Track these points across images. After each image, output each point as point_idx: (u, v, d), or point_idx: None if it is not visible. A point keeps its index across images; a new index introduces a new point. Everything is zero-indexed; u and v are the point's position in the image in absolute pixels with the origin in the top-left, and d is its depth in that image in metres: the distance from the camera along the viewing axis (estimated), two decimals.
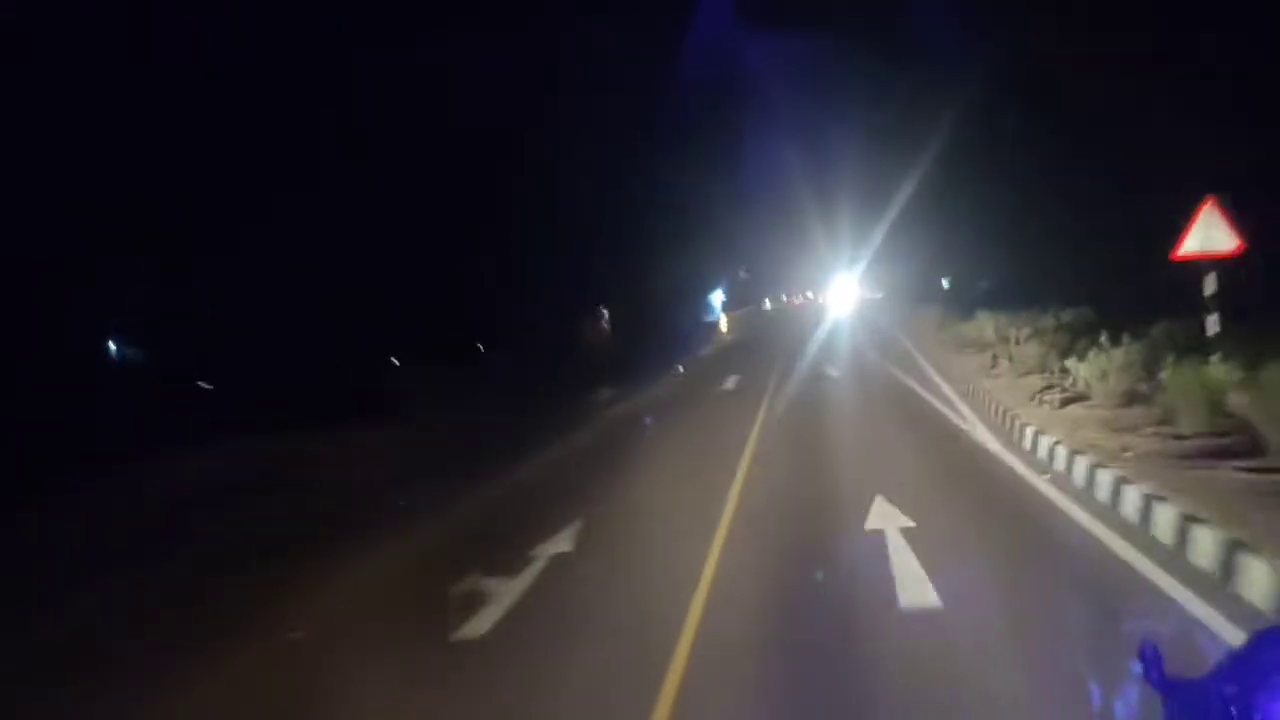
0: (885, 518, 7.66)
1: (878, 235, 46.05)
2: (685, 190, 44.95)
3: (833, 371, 21.76)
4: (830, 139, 53.91)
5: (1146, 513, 6.62)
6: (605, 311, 33.82)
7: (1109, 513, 7.21)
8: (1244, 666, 1.18)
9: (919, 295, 45.17)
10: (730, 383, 21.87)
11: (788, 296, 77.79)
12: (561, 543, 8.28)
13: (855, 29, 37.58)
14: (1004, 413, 12.01)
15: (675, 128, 47.33)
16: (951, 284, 42.18)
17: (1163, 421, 9.55)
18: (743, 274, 67.24)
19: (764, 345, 33.03)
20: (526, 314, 27.46)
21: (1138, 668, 1.38)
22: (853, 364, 23.53)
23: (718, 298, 54.48)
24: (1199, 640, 4.57)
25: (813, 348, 28.60)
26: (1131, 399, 11.00)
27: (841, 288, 63.22)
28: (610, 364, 25.98)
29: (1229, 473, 7.25)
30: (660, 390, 22.38)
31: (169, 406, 15.96)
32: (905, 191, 35.42)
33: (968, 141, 28.95)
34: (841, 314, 54.01)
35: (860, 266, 58.07)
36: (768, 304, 69.57)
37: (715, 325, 41.47)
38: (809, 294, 77.75)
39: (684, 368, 26.46)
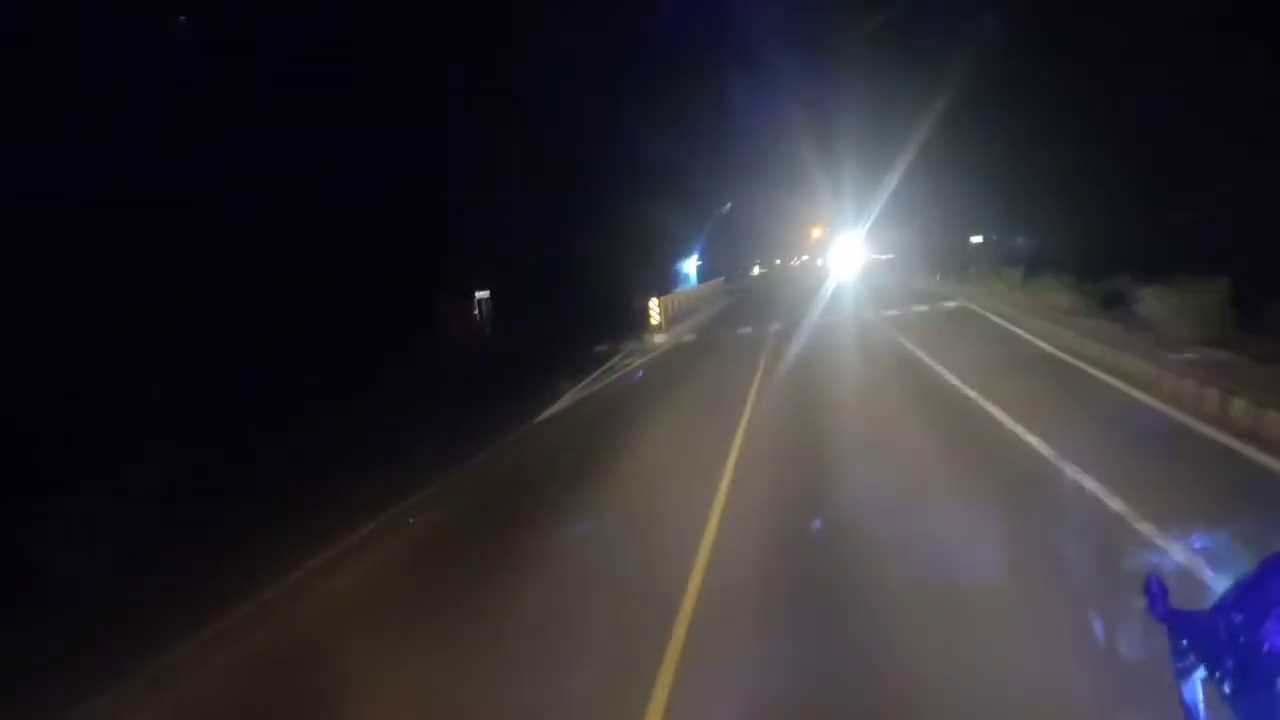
0: None
1: (884, 189, 38.63)
2: (655, 140, 35.38)
3: None
4: (831, 85, 45.22)
5: None
6: (481, 296, 23.75)
7: None
8: (1252, 595, 1.13)
9: (940, 256, 35.75)
10: None
11: (780, 260, 67.85)
12: None
13: None
14: None
15: (654, 71, 37.96)
16: (983, 241, 33.05)
17: None
18: (727, 208, 56.81)
19: (707, 381, 16.46)
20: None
21: (1143, 602, 1.29)
22: None
23: (691, 265, 44.58)
24: None
25: (819, 401, 12.38)
26: None
27: (845, 248, 54.49)
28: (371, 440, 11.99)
29: None
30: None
31: None
32: (918, 137, 30.14)
33: (990, 81, 25.16)
34: (846, 278, 44.86)
35: (865, 224, 48.95)
36: (756, 269, 59.66)
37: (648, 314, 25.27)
38: (804, 256, 67.96)
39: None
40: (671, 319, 27.66)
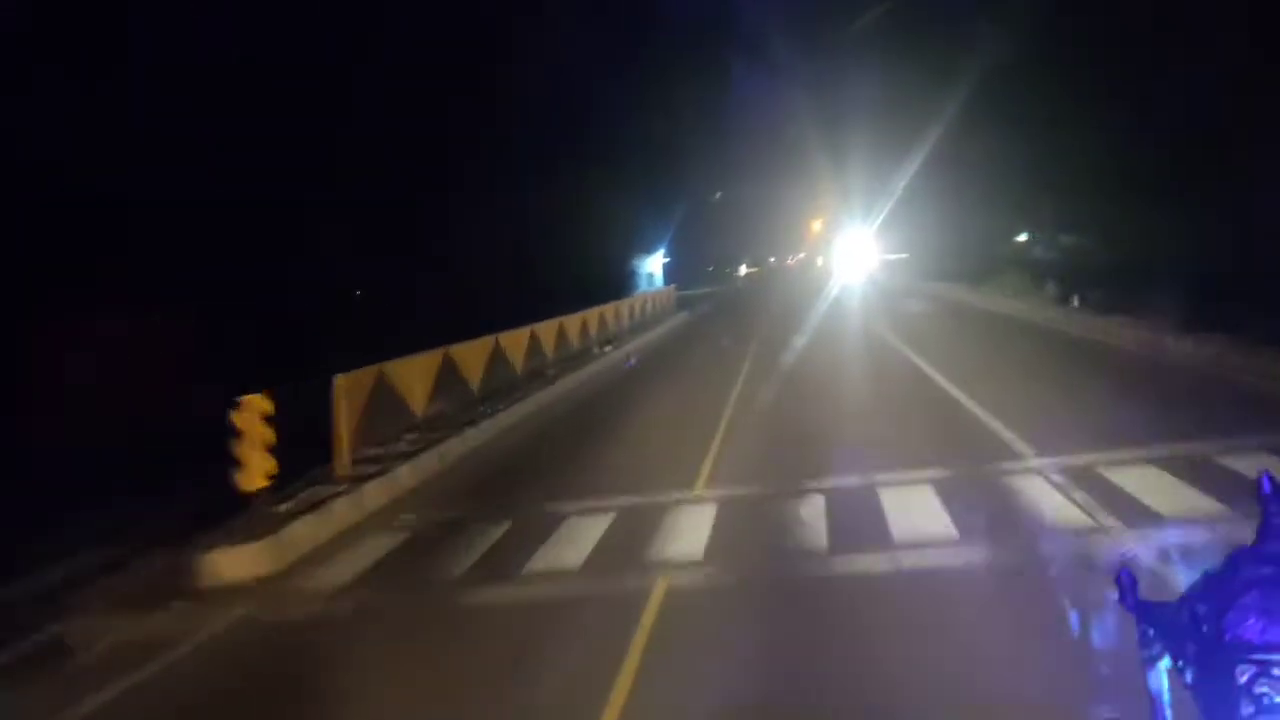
0: None
1: (898, 180, 33.34)
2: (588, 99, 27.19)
3: None
4: (837, 66, 37.88)
5: None
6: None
7: None
8: (1216, 586, 1.15)
9: (963, 256, 27.71)
10: None
11: (774, 259, 59.36)
12: None
13: None
14: None
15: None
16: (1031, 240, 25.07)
17: None
18: (716, 196, 48.66)
19: None
20: None
21: (1114, 594, 1.29)
22: None
23: (655, 264, 35.71)
24: None
25: None
26: None
27: (852, 246, 46.81)
28: None
29: None
30: None
31: None
32: (941, 122, 25.97)
33: (1014, 65, 21.58)
34: (859, 286, 36.71)
35: (876, 220, 41.22)
36: (744, 269, 51.17)
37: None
38: (802, 254, 59.57)
39: None
40: (439, 417, 11.20)
